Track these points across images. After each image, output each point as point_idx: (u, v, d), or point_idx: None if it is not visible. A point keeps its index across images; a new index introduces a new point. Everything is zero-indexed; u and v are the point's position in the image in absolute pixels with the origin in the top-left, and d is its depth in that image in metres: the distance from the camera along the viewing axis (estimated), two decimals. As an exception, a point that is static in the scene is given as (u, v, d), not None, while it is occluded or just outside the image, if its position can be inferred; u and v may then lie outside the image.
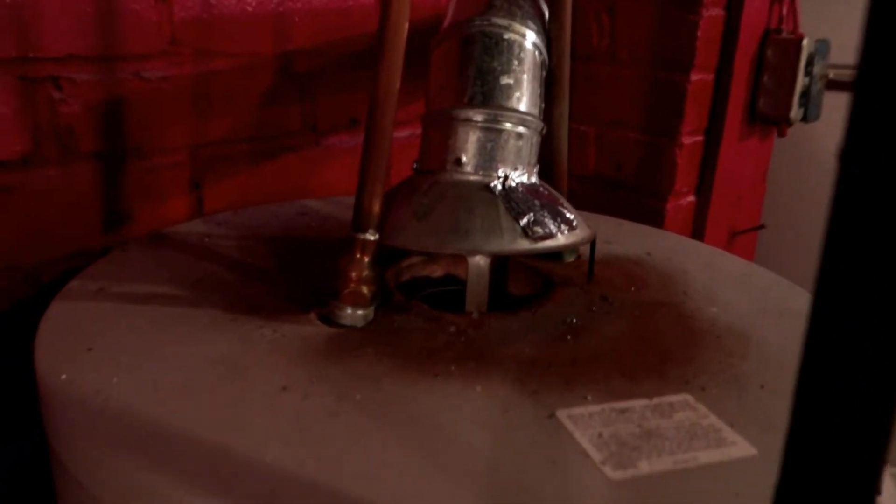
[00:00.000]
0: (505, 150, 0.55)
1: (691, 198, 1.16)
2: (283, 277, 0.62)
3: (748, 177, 1.25)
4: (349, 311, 0.53)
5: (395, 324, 0.54)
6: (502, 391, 0.45)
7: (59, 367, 0.46)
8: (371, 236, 0.52)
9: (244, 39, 0.81)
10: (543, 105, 0.59)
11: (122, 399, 0.42)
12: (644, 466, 0.38)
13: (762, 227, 1.29)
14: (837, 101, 1.23)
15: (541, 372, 0.48)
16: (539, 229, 0.53)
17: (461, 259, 0.69)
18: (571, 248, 0.68)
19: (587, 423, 0.42)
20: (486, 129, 0.55)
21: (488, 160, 0.55)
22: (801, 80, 1.11)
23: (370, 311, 0.54)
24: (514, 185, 0.55)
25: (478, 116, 0.55)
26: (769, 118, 1.16)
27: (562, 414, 0.43)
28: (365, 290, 0.52)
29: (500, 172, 0.55)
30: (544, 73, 0.59)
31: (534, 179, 0.58)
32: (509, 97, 0.55)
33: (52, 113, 0.69)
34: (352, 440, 0.40)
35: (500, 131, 0.55)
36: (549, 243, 0.54)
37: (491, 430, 0.41)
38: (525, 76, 0.56)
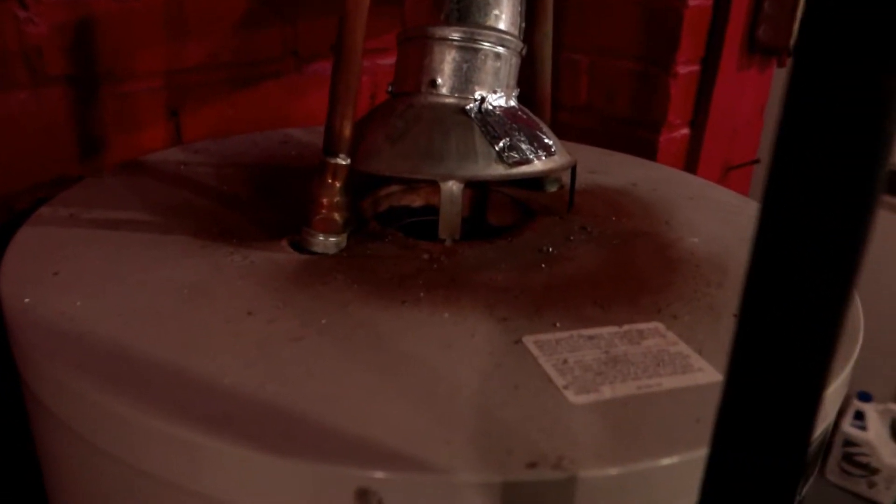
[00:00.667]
0: (482, 72, 0.53)
1: (685, 130, 1.14)
2: (259, 205, 0.61)
3: (745, 110, 1.22)
4: (321, 237, 0.52)
5: (367, 251, 0.53)
6: (471, 317, 0.44)
7: (24, 290, 0.45)
8: (342, 160, 0.51)
9: (219, -43, 0.78)
10: (524, 25, 0.56)
11: (86, 322, 0.42)
12: (607, 391, 0.38)
13: (756, 161, 1.27)
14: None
15: (512, 299, 0.47)
16: (515, 154, 0.52)
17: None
18: (550, 176, 0.67)
19: (553, 348, 0.41)
20: (462, 49, 0.53)
21: (465, 82, 0.53)
22: (803, 6, 1.07)
23: (343, 239, 0.53)
24: (490, 108, 0.54)
25: (454, 35, 0.52)
26: (769, 48, 1.13)
27: (528, 340, 0.42)
28: (336, 216, 0.51)
29: (477, 95, 0.53)
30: (525, -9, 0.56)
31: (512, 103, 0.56)
32: (487, 14, 0.53)
33: (19, 33, 0.66)
34: (314, 364, 0.39)
35: (477, 51, 0.53)
36: (524, 169, 0.52)
37: (456, 355, 0.40)
38: (504, -7, 0.53)
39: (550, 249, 0.55)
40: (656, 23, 1.04)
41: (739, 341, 0.22)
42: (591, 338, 0.43)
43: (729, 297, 0.50)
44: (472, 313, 0.45)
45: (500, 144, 0.52)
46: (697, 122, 1.13)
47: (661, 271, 0.53)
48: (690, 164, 1.17)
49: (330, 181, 0.51)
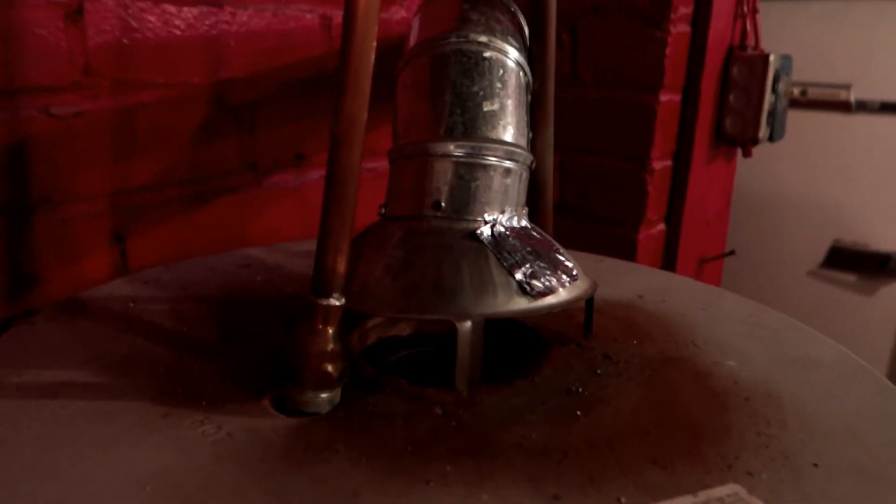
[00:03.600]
0: (491, 190, 0.47)
1: (661, 226, 1.10)
2: (227, 350, 0.52)
3: (715, 202, 1.20)
4: (311, 395, 0.43)
5: (367, 407, 0.44)
6: (515, 499, 0.36)
7: (-70, 500, 0.34)
8: (336, 301, 0.43)
9: (172, 67, 0.71)
10: (531, 134, 0.51)
11: (14, 547, 0.31)
12: None
13: (732, 252, 1.24)
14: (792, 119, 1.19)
15: (555, 465, 0.39)
16: (538, 283, 0.45)
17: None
18: (567, 307, 0.60)
19: (629, 538, 0.33)
20: (468, 166, 0.46)
21: (472, 202, 0.46)
22: (768, 98, 1.07)
23: (337, 393, 0.44)
24: (503, 230, 0.47)
25: (458, 151, 0.46)
26: (736, 139, 1.12)
27: (596, 528, 0.34)
28: (331, 368, 0.43)
29: (487, 216, 0.47)
30: (529, 98, 0.51)
31: (524, 223, 0.49)
32: (494, 126, 0.47)
33: (-63, 159, 0.57)
34: (330, 591, 0.30)
35: (486, 167, 0.46)
36: (550, 301, 0.45)
37: (511, 561, 0.32)
38: (510, 101, 0.48)
39: (580, 389, 0.47)
40: (629, 119, 1.01)
41: None
42: (667, 517, 0.35)
43: (798, 441, 0.43)
44: (516, 492, 0.36)
45: (520, 273, 0.44)
46: (673, 217, 1.10)
47: (710, 410, 0.46)
48: (668, 259, 1.13)
49: (321, 327, 0.43)
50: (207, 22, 0.73)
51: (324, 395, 0.43)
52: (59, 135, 0.64)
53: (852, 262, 1.55)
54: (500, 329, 0.58)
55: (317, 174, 0.86)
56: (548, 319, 0.59)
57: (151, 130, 0.71)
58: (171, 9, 0.69)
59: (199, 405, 0.43)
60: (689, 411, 0.46)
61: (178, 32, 0.71)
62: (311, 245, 0.78)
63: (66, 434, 0.40)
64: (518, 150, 0.48)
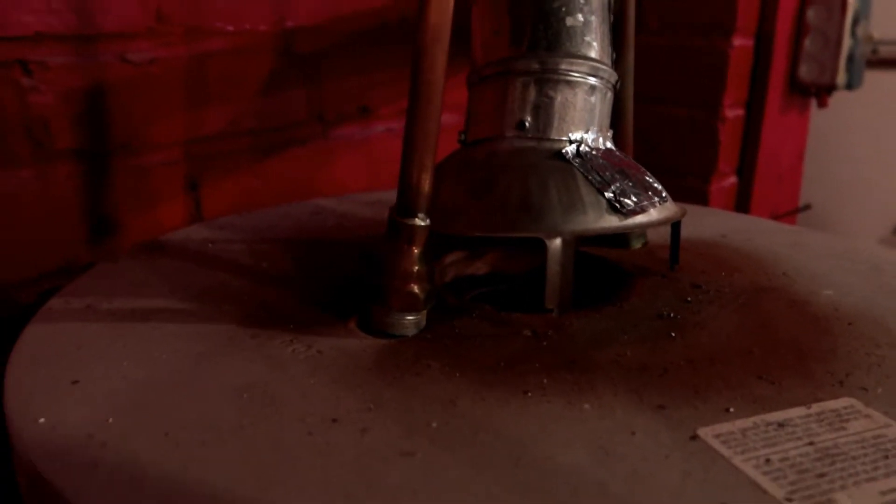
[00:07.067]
0: (575, 108, 0.45)
1: (733, 179, 1.06)
2: (307, 281, 0.52)
3: (788, 154, 1.15)
4: (397, 317, 0.42)
5: (455, 330, 0.43)
6: (619, 408, 0.34)
7: (36, 406, 0.35)
8: (422, 221, 0.42)
9: (239, 15, 0.71)
10: (615, 54, 0.49)
11: (123, 445, 0.32)
12: (845, 502, 0.28)
13: (808, 207, 1.19)
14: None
15: (657, 380, 0.37)
16: (628, 202, 0.43)
17: (510, 253, 0.59)
18: (636, 231, 0.58)
19: (742, 443, 0.32)
20: (552, 83, 0.44)
21: (557, 121, 0.45)
22: (847, 42, 1.01)
23: (422, 317, 0.43)
24: (589, 150, 0.45)
25: (543, 67, 0.44)
26: (812, 86, 1.07)
27: (706, 433, 0.32)
28: (417, 289, 0.42)
29: (573, 136, 0.45)
30: (611, 17, 0.49)
31: (609, 144, 0.48)
32: (577, 42, 0.45)
33: (22, 104, 0.58)
34: (438, 488, 0.29)
35: (571, 84, 0.45)
36: (641, 219, 0.43)
37: (622, 464, 0.30)
38: (593, 17, 0.46)
39: (672, 314, 0.45)
40: (699, 65, 0.97)
41: None
42: (781, 425, 0.33)
43: (912, 360, 0.40)
44: (618, 402, 0.35)
45: (610, 192, 0.43)
46: (745, 169, 1.06)
47: (813, 333, 0.44)
48: (740, 213, 1.09)
49: (406, 247, 0.42)
50: (274, -31, 0.72)
51: (410, 318, 0.42)
52: (136, 82, 0.65)
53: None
54: (582, 264, 0.57)
55: (382, 127, 0.86)
56: (629, 255, 0.58)
57: (221, 79, 0.71)
58: (239, -44, 0.69)
59: (286, 327, 0.43)
60: (791, 334, 0.44)
61: (244, -19, 0.71)
62: (381, 195, 0.78)
63: (160, 351, 0.40)
64: (603, 67, 0.46)
